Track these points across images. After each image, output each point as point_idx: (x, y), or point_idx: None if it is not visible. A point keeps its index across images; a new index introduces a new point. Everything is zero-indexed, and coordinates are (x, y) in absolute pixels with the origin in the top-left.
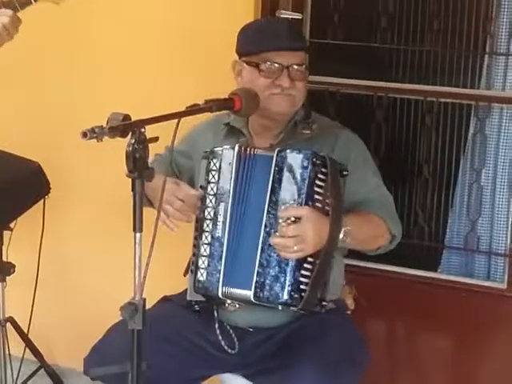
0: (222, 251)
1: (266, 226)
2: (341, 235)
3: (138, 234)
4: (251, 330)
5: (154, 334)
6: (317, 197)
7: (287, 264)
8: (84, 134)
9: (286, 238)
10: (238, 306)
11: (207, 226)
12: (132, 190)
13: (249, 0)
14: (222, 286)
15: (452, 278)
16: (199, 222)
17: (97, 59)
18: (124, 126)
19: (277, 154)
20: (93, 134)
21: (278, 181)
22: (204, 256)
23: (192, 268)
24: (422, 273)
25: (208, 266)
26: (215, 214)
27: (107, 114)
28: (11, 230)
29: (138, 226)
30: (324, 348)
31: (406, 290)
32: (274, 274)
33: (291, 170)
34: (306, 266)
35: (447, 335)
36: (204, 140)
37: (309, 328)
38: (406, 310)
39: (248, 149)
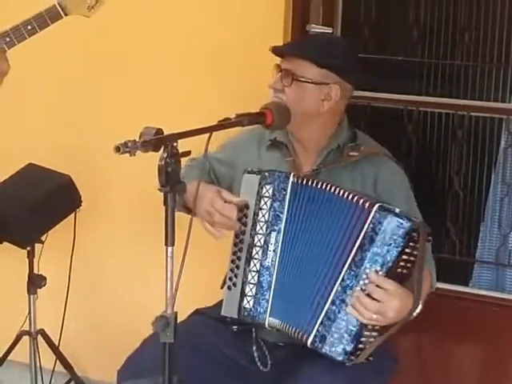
0: (271, 281)
1: (343, 280)
2: (417, 310)
3: (169, 248)
4: (282, 344)
5: (186, 346)
6: (402, 264)
7: (354, 326)
8: (117, 149)
9: (367, 310)
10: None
11: (256, 253)
12: (164, 204)
13: (279, 14)
14: (269, 317)
15: (483, 292)
16: (250, 248)
17: (129, 73)
18: (156, 141)
19: (375, 211)
20: (126, 148)
21: (369, 239)
22: (252, 284)
23: (229, 284)
24: (453, 287)
25: (255, 294)
26: (265, 242)
27: (138, 127)
28: (43, 242)
29: (170, 239)
30: None
31: (438, 304)
32: (338, 334)
33: (386, 233)
34: (370, 327)
35: (478, 350)
36: (248, 150)
37: None
38: (437, 324)
39: (305, 179)
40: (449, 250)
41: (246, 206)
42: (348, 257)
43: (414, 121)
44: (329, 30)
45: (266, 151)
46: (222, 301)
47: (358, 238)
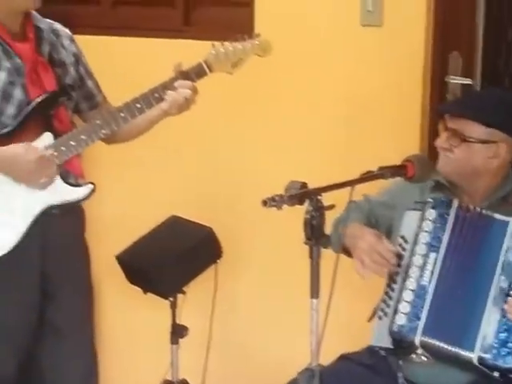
0: (427, 300)
1: (499, 291)
2: None
3: (314, 300)
4: None
5: None
6: None
7: None
8: (264, 203)
9: None
10: (425, 358)
11: (413, 272)
12: (310, 257)
13: (418, 65)
14: (422, 335)
15: None
16: (408, 268)
17: (272, 123)
18: (302, 195)
19: None
20: (273, 202)
21: None
22: (406, 301)
23: (380, 314)
24: None
25: (409, 311)
26: (424, 263)
27: (280, 178)
28: (184, 293)
29: (315, 292)
30: None
31: None
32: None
33: None
34: None
35: None
36: (410, 192)
37: None
38: None
39: (471, 206)
40: None
41: (403, 249)
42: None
43: None
44: (468, 81)
45: (430, 193)
46: (368, 347)
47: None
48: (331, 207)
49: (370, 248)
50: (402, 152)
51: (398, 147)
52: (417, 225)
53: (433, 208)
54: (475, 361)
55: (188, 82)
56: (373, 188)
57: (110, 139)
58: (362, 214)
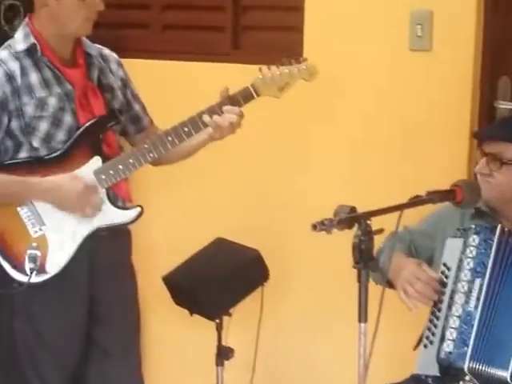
0: (473, 326)
1: None
2: None
3: (362, 324)
4: None
5: None
6: None
7: None
8: (314, 227)
9: None
10: None
11: (459, 298)
12: (358, 281)
13: (466, 90)
14: (470, 361)
15: None
16: (453, 294)
17: (317, 149)
18: (351, 219)
19: None
20: (322, 226)
21: None
22: (453, 328)
23: (426, 342)
24: None
25: (456, 338)
26: (469, 289)
27: (325, 203)
28: (230, 315)
29: (362, 316)
30: None
31: None
32: None
33: None
34: None
35: None
36: (450, 221)
37: None
38: None
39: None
40: None
41: (446, 277)
42: None
43: None
44: None
45: (470, 220)
46: (412, 375)
47: None
48: (380, 231)
49: (412, 277)
50: (450, 177)
51: (447, 172)
52: (460, 251)
53: (476, 234)
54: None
55: (235, 108)
56: (419, 213)
57: (155, 162)
58: (403, 245)
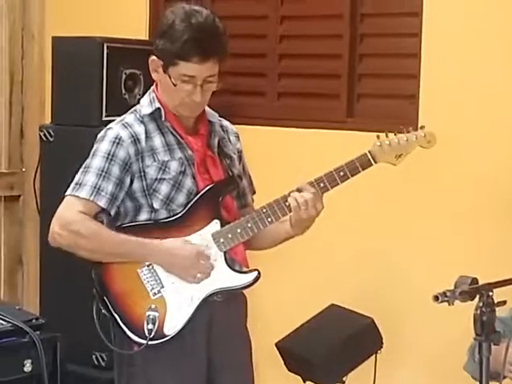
0: None
1: None
2: None
3: None
4: None
5: None
6: None
7: None
8: (436, 298)
9: None
10: None
11: None
12: (479, 353)
13: None
14: None
15: None
16: None
17: (435, 217)
18: (474, 290)
19: None
20: (444, 297)
21: None
22: None
23: None
24: None
25: None
26: None
27: (442, 274)
28: (343, 382)
29: None
30: None
31: None
32: None
33: None
34: None
35: None
36: None
37: None
38: None
39: None
40: None
41: None
42: None
43: None
44: None
45: None
46: None
47: None
48: (503, 303)
49: None
50: None
51: None
52: None
53: None
54: None
55: (312, 188)
56: None
57: (248, 245)
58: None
